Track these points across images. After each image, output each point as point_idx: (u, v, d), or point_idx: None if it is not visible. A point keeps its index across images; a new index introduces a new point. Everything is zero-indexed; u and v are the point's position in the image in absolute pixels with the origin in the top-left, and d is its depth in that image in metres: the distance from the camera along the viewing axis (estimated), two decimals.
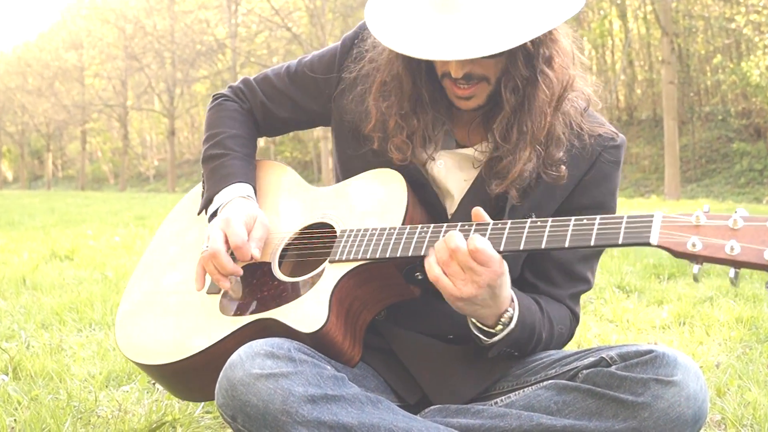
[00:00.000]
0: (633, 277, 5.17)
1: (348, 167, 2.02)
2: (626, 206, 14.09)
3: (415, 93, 1.85)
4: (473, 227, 1.66)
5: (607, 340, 3.47)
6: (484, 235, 1.63)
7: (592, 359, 1.76)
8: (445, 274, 1.63)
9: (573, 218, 1.56)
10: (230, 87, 2.26)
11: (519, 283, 1.93)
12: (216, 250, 1.84)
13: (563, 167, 1.83)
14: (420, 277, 1.77)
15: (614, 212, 1.93)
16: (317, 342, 1.69)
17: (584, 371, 1.74)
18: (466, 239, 1.62)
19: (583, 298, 4.42)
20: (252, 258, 1.87)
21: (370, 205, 1.87)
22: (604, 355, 1.74)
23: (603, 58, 30.26)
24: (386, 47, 1.89)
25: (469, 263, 1.60)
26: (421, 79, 1.84)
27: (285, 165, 2.18)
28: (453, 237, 1.61)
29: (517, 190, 1.82)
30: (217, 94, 2.26)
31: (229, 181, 2.04)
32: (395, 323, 1.92)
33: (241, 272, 1.88)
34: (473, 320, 1.77)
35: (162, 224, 2.26)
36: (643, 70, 29.34)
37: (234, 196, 2.01)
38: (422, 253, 1.68)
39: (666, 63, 21.00)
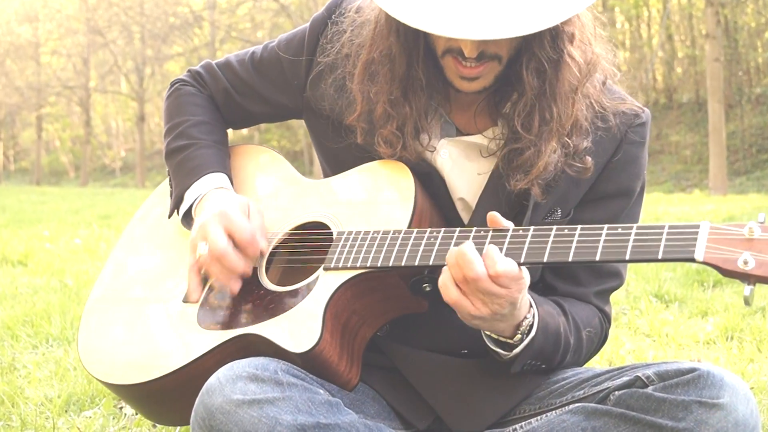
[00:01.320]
0: (673, 284, 5.17)
1: (334, 162, 2.02)
2: (664, 203, 14.10)
3: (409, 75, 1.84)
4: (489, 235, 1.66)
5: (643, 357, 3.47)
6: (501, 246, 1.63)
7: (625, 379, 1.76)
8: (462, 292, 1.63)
9: (606, 227, 1.56)
10: (189, 71, 2.27)
11: (535, 285, 1.94)
12: (223, 249, 1.84)
13: (588, 159, 1.84)
14: (429, 289, 1.77)
15: (641, 197, 1.96)
16: (309, 363, 1.69)
17: (616, 393, 1.74)
18: (481, 253, 1.61)
19: (616, 308, 4.43)
20: (261, 253, 1.88)
21: (373, 203, 1.87)
22: (639, 374, 1.74)
23: (638, 32, 30.25)
24: (371, 22, 1.89)
25: (491, 289, 1.61)
26: (418, 58, 1.83)
27: (271, 150, 2.18)
28: (471, 265, 1.59)
29: (540, 186, 1.82)
30: (174, 80, 2.27)
31: (200, 173, 2.04)
32: (400, 339, 1.92)
33: (250, 271, 1.88)
34: (488, 333, 1.77)
35: (130, 223, 2.26)
36: (684, 45, 29.33)
37: (208, 189, 2.01)
38: (430, 263, 1.68)
39: (711, 37, 20.98)
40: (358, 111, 1.89)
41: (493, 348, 1.79)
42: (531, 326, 1.75)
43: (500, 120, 1.86)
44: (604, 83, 1.90)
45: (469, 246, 1.62)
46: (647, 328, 4.01)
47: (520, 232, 1.64)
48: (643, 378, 1.73)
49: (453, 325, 1.85)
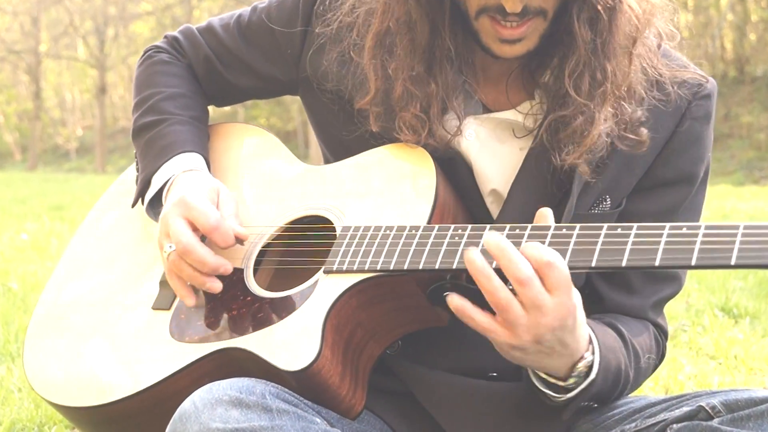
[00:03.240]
0: (743, 295, 5.16)
1: (339, 148, 2.03)
2: (733, 197, 14.06)
3: (434, 44, 1.84)
4: (526, 234, 1.65)
5: (707, 384, 3.47)
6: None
7: (686, 410, 1.76)
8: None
9: (668, 226, 1.56)
10: (165, 37, 2.29)
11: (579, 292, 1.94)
12: (186, 243, 1.84)
13: (644, 130, 1.85)
14: None
15: (704, 186, 1.96)
16: (305, 384, 1.70)
17: (675, 426, 1.75)
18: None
19: (674, 324, 4.43)
20: (237, 239, 1.88)
21: (384, 194, 1.88)
22: (703, 404, 1.74)
23: None
24: None
25: (535, 297, 1.57)
26: (444, 23, 1.83)
27: (261, 129, 2.19)
28: (519, 268, 1.56)
29: (589, 163, 1.82)
30: (148, 47, 2.28)
31: (170, 152, 2.05)
32: (414, 358, 1.93)
33: (231, 266, 1.88)
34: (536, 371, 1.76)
35: (87, 216, 2.27)
36: (759, 7, 29.22)
37: (177, 171, 2.01)
38: (454, 266, 1.68)
39: None
40: (372, 92, 1.89)
41: (541, 388, 1.77)
42: (590, 367, 1.72)
43: (538, 90, 1.87)
44: (659, 46, 1.90)
45: (501, 238, 1.60)
46: (712, 348, 4.01)
47: (564, 231, 1.63)
48: (707, 408, 1.73)
49: (479, 342, 1.84)
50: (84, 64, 42.19)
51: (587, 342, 1.71)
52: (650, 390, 3.40)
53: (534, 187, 1.86)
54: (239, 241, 1.90)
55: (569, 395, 1.74)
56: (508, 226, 1.68)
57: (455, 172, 1.90)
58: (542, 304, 1.57)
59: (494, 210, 1.92)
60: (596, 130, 1.79)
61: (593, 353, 1.72)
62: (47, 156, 45.93)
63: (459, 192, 1.90)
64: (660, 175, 1.91)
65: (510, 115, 1.90)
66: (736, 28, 29.12)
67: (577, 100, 1.79)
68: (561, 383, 1.74)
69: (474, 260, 1.59)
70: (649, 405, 1.86)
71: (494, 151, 1.91)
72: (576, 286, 1.76)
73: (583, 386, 1.73)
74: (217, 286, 1.86)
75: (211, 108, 2.27)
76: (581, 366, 1.71)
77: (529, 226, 1.66)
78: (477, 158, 1.91)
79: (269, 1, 2.15)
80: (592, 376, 1.72)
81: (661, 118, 1.88)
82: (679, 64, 1.92)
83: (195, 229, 1.87)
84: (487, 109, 1.93)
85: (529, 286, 1.56)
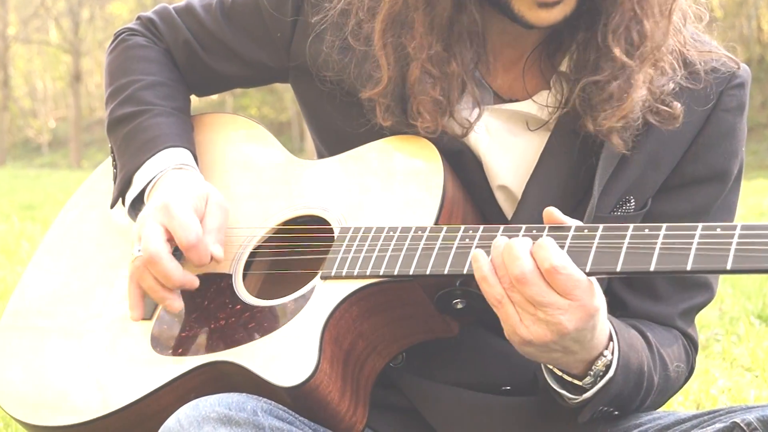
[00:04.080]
0: None
1: (335, 141, 2.02)
2: None
3: (455, 19, 1.83)
4: (544, 234, 1.65)
5: (742, 398, 3.47)
6: (562, 247, 1.62)
7: (719, 426, 1.76)
8: (510, 300, 1.61)
9: (700, 226, 1.56)
10: (138, 18, 2.28)
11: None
12: (154, 252, 1.84)
13: (677, 104, 1.85)
14: (461, 306, 1.77)
15: (738, 184, 1.96)
16: (301, 401, 1.70)
17: None
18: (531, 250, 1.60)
19: (706, 332, 4.43)
20: (212, 259, 1.88)
21: (386, 191, 1.88)
22: (737, 420, 1.73)
23: None
24: None
25: (543, 297, 1.58)
26: None
27: (250, 120, 2.19)
28: (516, 260, 1.58)
29: (622, 136, 1.82)
30: (119, 30, 2.27)
31: (154, 147, 2.04)
32: (421, 372, 1.93)
33: (197, 283, 1.88)
34: (550, 367, 1.77)
35: (59, 216, 2.27)
36: None
37: (165, 167, 2.01)
38: (464, 271, 1.68)
39: None
40: (384, 82, 1.88)
41: (555, 388, 1.77)
42: (608, 366, 1.73)
43: (555, 78, 1.87)
44: (683, 21, 1.90)
45: (518, 239, 1.61)
46: (747, 359, 4.01)
47: (586, 231, 1.63)
48: (742, 425, 1.72)
49: (491, 354, 1.85)
50: (56, 48, 42.23)
51: (607, 339, 1.72)
52: (680, 405, 3.40)
53: (552, 186, 1.86)
54: (215, 260, 1.89)
55: (586, 395, 1.75)
56: (524, 227, 1.68)
57: (463, 167, 1.90)
58: (550, 303, 1.58)
59: (506, 208, 1.92)
60: (636, 93, 1.79)
61: (612, 352, 1.73)
62: (17, 150, 46.00)
63: (468, 189, 1.90)
64: (689, 172, 1.91)
65: (525, 106, 1.90)
66: None
67: (616, 61, 1.79)
68: (577, 382, 1.74)
69: (477, 258, 1.62)
70: (678, 421, 1.86)
71: (507, 145, 1.91)
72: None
73: (600, 385, 1.74)
74: (177, 305, 1.86)
75: (193, 97, 2.27)
76: (599, 364, 1.72)
77: (547, 226, 1.66)
78: (487, 152, 1.91)
79: None
80: (611, 374, 1.73)
81: (690, 103, 1.88)
82: (708, 47, 1.93)
83: (170, 239, 1.87)
84: (498, 99, 1.93)
85: (523, 284, 1.58)
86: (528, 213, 1.85)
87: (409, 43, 1.85)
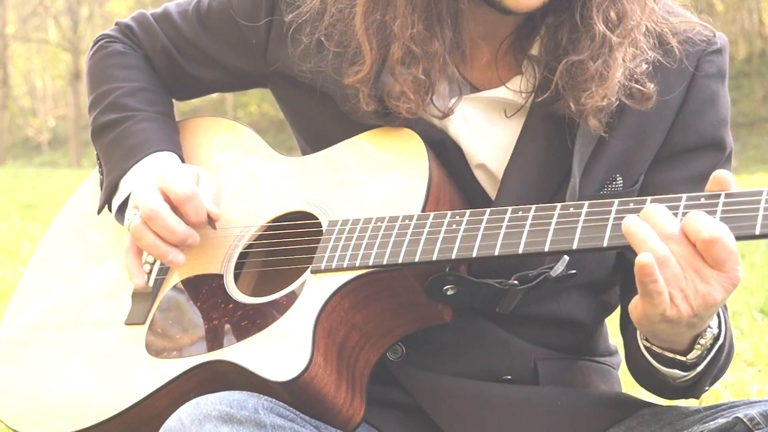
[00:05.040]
0: None
1: (318, 138, 2.02)
2: None
3: None
4: (530, 215, 1.65)
5: (745, 393, 3.47)
6: (549, 227, 1.63)
7: (722, 422, 1.76)
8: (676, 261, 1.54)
9: (684, 196, 1.56)
10: (117, 24, 2.28)
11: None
12: (154, 207, 1.85)
13: (650, 84, 1.85)
14: (452, 293, 1.77)
15: (730, 159, 1.96)
16: (297, 395, 1.70)
17: None
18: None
19: None
20: (209, 217, 1.88)
21: (372, 183, 1.88)
22: (740, 415, 1.73)
23: None
24: None
25: (703, 271, 1.53)
26: None
27: (238, 123, 2.19)
28: (699, 220, 1.52)
29: (598, 118, 1.82)
30: (98, 37, 2.27)
31: (141, 152, 2.04)
32: (420, 364, 1.93)
33: (198, 239, 1.89)
34: (650, 344, 1.74)
35: (57, 217, 2.27)
36: None
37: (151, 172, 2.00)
38: (453, 256, 1.69)
39: None
40: (368, 65, 1.88)
41: (662, 368, 1.75)
42: (716, 338, 1.71)
43: (527, 62, 1.88)
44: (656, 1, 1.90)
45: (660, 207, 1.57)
46: (750, 354, 4.01)
47: (571, 210, 1.63)
48: (745, 420, 1.72)
49: (490, 342, 1.86)
50: (56, 47, 42.22)
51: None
52: (682, 400, 3.39)
53: (531, 167, 1.87)
54: (211, 222, 1.90)
55: (698, 370, 1.73)
56: (510, 208, 1.69)
57: (445, 156, 1.90)
58: (700, 268, 1.54)
59: (489, 191, 1.92)
60: (617, 71, 1.80)
61: (719, 325, 1.72)
62: (16, 149, 45.96)
63: (451, 175, 1.91)
64: (680, 142, 1.92)
65: (501, 92, 1.91)
66: None
67: (596, 39, 1.80)
68: (679, 358, 1.73)
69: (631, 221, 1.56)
70: (681, 416, 1.86)
71: (485, 132, 1.92)
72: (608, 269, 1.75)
73: (710, 358, 1.72)
74: (179, 259, 1.87)
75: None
76: (708, 337, 1.70)
77: (533, 207, 1.67)
78: (467, 141, 1.91)
79: None
80: (718, 345, 1.71)
81: (668, 77, 1.89)
82: (682, 18, 1.94)
83: (167, 199, 1.87)
84: (475, 90, 1.94)
85: (673, 242, 1.53)
86: (510, 195, 1.86)
87: (392, 22, 1.85)
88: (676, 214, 1.55)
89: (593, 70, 1.80)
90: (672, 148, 1.92)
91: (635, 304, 1.58)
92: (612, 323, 2.08)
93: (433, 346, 1.91)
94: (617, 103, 1.83)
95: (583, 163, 1.86)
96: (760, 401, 1.77)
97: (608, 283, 2.02)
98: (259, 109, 36.22)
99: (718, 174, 1.58)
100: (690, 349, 1.72)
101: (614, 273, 1.99)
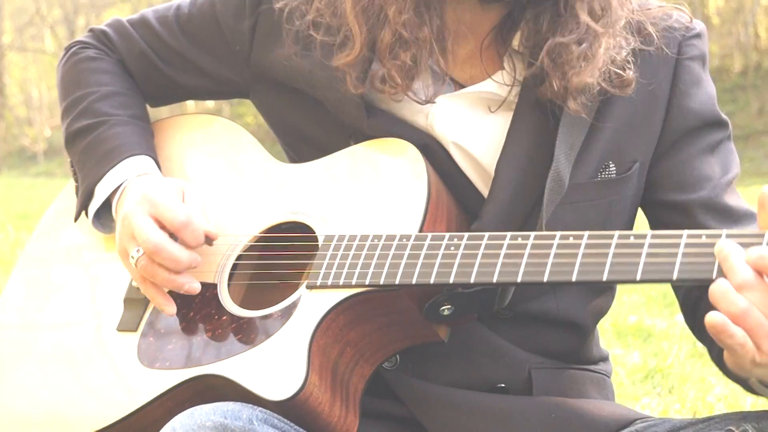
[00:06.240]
0: None
1: (308, 153, 2.01)
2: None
3: None
4: (529, 243, 1.66)
5: (739, 405, 3.47)
6: (547, 257, 1.63)
7: None
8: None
9: (686, 233, 1.56)
10: (91, 30, 2.27)
11: None
12: (156, 242, 1.83)
13: (629, 71, 1.87)
14: (448, 313, 1.78)
15: (729, 124, 1.98)
16: (292, 413, 1.70)
17: None
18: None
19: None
20: (207, 239, 1.88)
21: (370, 195, 1.88)
22: (733, 428, 1.74)
23: None
24: None
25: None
26: None
27: (229, 121, 2.17)
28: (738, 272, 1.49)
29: (579, 101, 1.84)
30: (70, 44, 2.26)
31: (116, 157, 2.03)
32: (414, 373, 1.92)
33: (200, 259, 1.87)
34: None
35: (33, 236, 2.23)
36: None
37: (127, 177, 2.00)
38: (451, 280, 1.69)
39: None
40: (357, 48, 1.89)
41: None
42: None
43: (508, 57, 1.90)
44: None
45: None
46: None
47: (571, 240, 1.63)
48: None
49: (484, 350, 1.87)
50: (52, 56, 42.16)
51: None
52: (676, 413, 3.39)
53: (522, 161, 1.88)
54: (208, 241, 1.90)
55: None
56: (508, 234, 1.68)
57: (432, 158, 1.90)
58: None
59: (482, 189, 1.93)
60: (603, 54, 1.82)
61: None
62: (12, 159, 45.83)
63: (440, 178, 1.90)
64: (682, 125, 1.94)
65: (483, 86, 1.93)
66: None
67: (581, 25, 1.82)
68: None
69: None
70: (674, 429, 1.85)
71: (473, 128, 1.93)
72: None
73: None
74: (196, 286, 1.85)
75: (193, 103, 2.26)
76: None
77: (533, 234, 1.66)
78: (456, 138, 1.92)
79: None
80: None
81: (650, 63, 1.92)
82: (659, 7, 1.96)
83: (162, 227, 1.86)
84: (459, 85, 1.96)
85: (750, 290, 1.49)
86: (503, 192, 1.87)
87: (387, 7, 1.85)
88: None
89: (578, 52, 1.82)
90: (675, 133, 1.94)
91: (727, 355, 1.57)
92: (602, 331, 2.09)
93: (427, 354, 1.91)
94: (598, 87, 1.85)
95: (574, 153, 1.87)
96: (753, 413, 1.78)
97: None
98: (255, 120, 36.17)
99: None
100: None
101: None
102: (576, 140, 1.88)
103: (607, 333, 4.93)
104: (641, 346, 4.75)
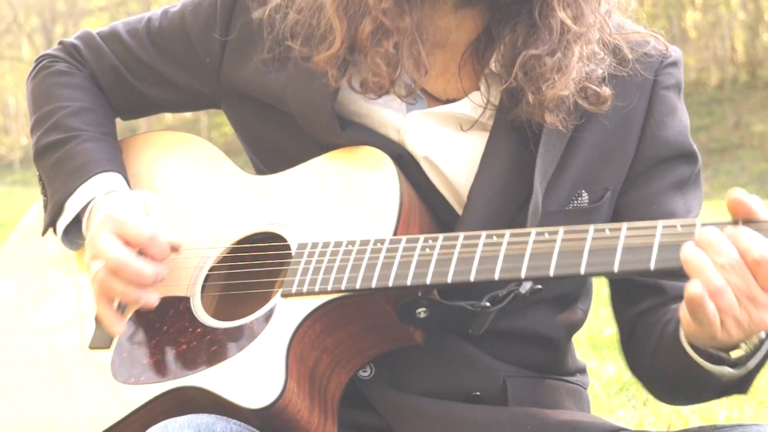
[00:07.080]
0: None
1: (281, 164, 2.01)
2: None
3: None
4: (505, 240, 1.66)
5: (713, 419, 3.49)
6: (523, 252, 1.63)
7: None
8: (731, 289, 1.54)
9: (660, 223, 1.56)
10: (61, 43, 2.26)
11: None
12: (119, 257, 1.83)
13: (606, 88, 1.88)
14: (424, 316, 1.77)
15: (699, 157, 1.98)
16: (270, 422, 1.69)
17: None
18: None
19: None
20: (172, 249, 1.87)
21: (342, 202, 1.88)
22: None
23: None
24: None
25: (755, 294, 1.53)
26: None
27: (197, 137, 2.17)
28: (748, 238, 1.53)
29: (556, 114, 1.84)
30: (40, 56, 2.27)
31: (87, 173, 2.03)
32: (389, 382, 1.92)
33: (166, 271, 1.87)
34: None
35: (10, 238, 2.22)
36: None
37: (96, 194, 1.99)
38: (428, 281, 1.69)
39: None
40: (338, 43, 1.88)
41: (713, 369, 1.73)
42: (762, 339, 1.69)
43: (484, 78, 1.91)
44: (609, 14, 1.93)
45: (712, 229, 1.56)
46: None
47: (546, 236, 1.64)
48: None
49: (458, 359, 1.86)
50: (29, 65, 41.80)
51: None
52: (651, 426, 3.40)
53: (496, 186, 1.88)
54: (173, 250, 1.89)
55: (749, 366, 1.71)
56: (484, 233, 1.69)
57: (405, 170, 1.90)
58: (756, 296, 1.54)
59: (455, 205, 1.93)
60: (575, 66, 1.83)
61: None
62: None
63: (415, 190, 1.91)
64: (654, 154, 1.94)
65: (457, 107, 1.93)
66: (748, 28, 29.23)
67: (554, 33, 1.83)
68: (723, 354, 1.70)
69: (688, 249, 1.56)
70: None
71: (445, 146, 1.93)
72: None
73: (762, 354, 1.70)
74: (153, 299, 1.85)
75: (171, 115, 2.27)
76: (755, 337, 1.67)
77: (508, 232, 1.68)
78: (428, 154, 1.92)
79: (183, 3, 2.13)
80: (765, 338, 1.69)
81: (625, 87, 1.92)
82: (636, 32, 1.97)
83: (128, 244, 1.86)
84: (434, 101, 1.96)
85: (732, 272, 1.53)
86: (475, 218, 1.87)
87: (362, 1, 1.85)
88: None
89: (551, 63, 1.83)
90: (646, 162, 1.94)
91: (688, 321, 1.59)
92: (577, 343, 2.09)
93: (402, 363, 1.91)
94: (573, 101, 1.85)
95: (546, 180, 1.87)
96: (727, 426, 1.79)
97: (574, 297, 2.03)
98: (233, 130, 36.17)
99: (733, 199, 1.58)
100: (736, 346, 1.69)
101: (581, 286, 2.00)
102: (549, 167, 1.88)
103: (582, 345, 4.94)
104: (616, 358, 4.75)
